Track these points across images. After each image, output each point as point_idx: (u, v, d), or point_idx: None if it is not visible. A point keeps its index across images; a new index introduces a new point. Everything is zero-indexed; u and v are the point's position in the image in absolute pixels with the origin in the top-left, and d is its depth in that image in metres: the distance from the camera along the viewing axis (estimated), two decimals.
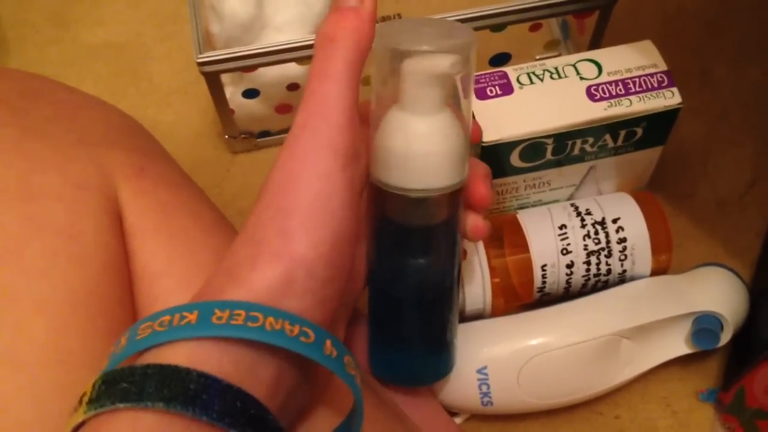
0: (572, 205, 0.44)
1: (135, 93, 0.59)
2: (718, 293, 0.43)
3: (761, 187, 0.51)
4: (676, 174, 0.52)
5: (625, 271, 0.44)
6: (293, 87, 0.50)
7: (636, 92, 0.42)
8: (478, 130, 0.39)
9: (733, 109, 0.54)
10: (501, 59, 0.51)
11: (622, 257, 0.43)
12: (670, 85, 0.42)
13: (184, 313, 0.25)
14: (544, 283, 0.43)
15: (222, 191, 0.54)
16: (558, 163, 0.43)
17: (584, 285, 0.44)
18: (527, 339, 0.41)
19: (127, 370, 0.24)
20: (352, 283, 0.35)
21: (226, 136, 0.54)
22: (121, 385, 0.23)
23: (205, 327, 0.25)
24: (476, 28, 0.46)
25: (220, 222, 0.38)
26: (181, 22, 0.62)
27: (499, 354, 0.41)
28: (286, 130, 0.55)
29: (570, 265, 0.43)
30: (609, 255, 0.43)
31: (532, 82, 0.42)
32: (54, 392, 0.28)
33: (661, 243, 0.43)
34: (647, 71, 0.42)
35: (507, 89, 0.42)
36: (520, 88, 0.42)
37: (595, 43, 0.52)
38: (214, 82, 0.47)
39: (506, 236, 0.44)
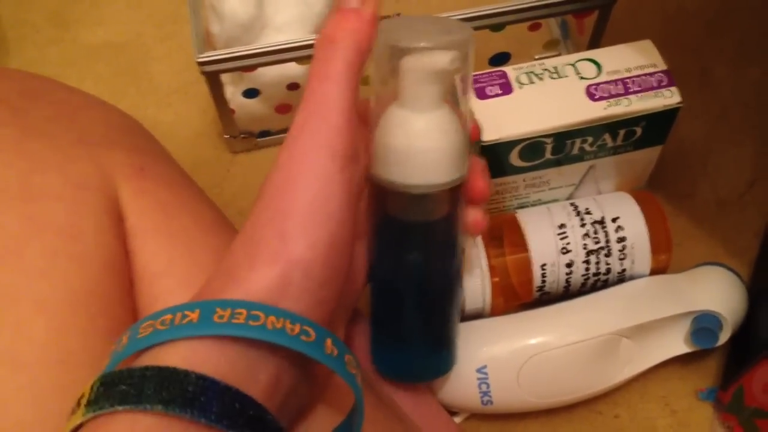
0: (572, 204, 0.44)
1: (135, 93, 0.59)
2: (717, 292, 0.43)
3: (761, 187, 0.51)
4: (676, 174, 0.52)
5: (624, 270, 0.44)
6: (293, 87, 0.50)
7: (635, 92, 0.42)
8: (476, 128, 0.39)
9: (732, 109, 0.54)
10: (500, 59, 0.51)
11: (622, 256, 0.43)
12: (670, 84, 0.42)
13: (186, 312, 0.25)
14: (543, 282, 0.43)
15: (222, 191, 0.54)
16: (557, 163, 0.44)
17: (584, 284, 0.44)
18: (527, 338, 0.41)
19: (125, 372, 0.24)
20: (352, 282, 0.35)
21: (226, 136, 0.54)
22: (120, 387, 0.23)
23: (207, 326, 0.25)
24: (476, 28, 0.46)
25: (220, 222, 0.38)
26: (181, 22, 0.62)
27: (499, 353, 0.41)
28: (286, 130, 0.54)
29: (569, 265, 0.43)
30: (608, 254, 0.43)
31: (531, 82, 0.42)
32: (54, 392, 0.28)
33: (660, 242, 0.43)
34: (647, 71, 0.42)
35: (506, 89, 0.42)
36: (520, 87, 0.42)
37: (595, 43, 0.52)
38: (214, 82, 0.47)
39: (506, 236, 0.44)
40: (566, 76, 0.42)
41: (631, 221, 0.43)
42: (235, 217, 0.50)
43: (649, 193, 0.46)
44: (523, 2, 0.46)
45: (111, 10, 0.64)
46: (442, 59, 0.30)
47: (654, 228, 0.43)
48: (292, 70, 0.49)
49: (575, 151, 0.43)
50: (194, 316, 0.25)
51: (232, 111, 0.51)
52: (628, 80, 0.42)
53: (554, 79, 0.42)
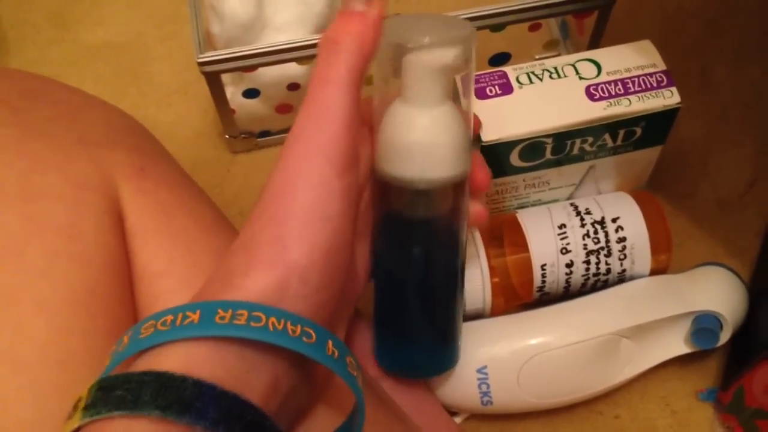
0: (572, 204, 0.44)
1: (135, 93, 0.59)
2: (717, 293, 0.43)
3: (761, 187, 0.51)
4: (676, 174, 0.52)
5: (624, 270, 0.44)
6: (293, 87, 0.50)
7: (635, 92, 0.42)
8: (477, 122, 0.39)
9: (732, 109, 0.54)
10: (501, 59, 0.51)
11: (622, 257, 0.43)
12: (670, 84, 0.42)
13: (187, 313, 0.25)
14: (543, 282, 0.43)
15: (222, 191, 0.54)
16: (557, 163, 0.44)
17: (584, 284, 0.44)
18: (527, 338, 0.41)
19: (122, 377, 0.24)
20: (352, 283, 0.35)
21: (227, 136, 0.54)
22: (117, 392, 0.23)
23: (208, 326, 0.25)
24: (476, 28, 0.46)
25: (220, 222, 0.38)
26: (181, 22, 0.62)
27: (499, 353, 0.41)
28: (286, 130, 0.55)
29: (569, 265, 0.43)
30: (608, 254, 0.43)
31: (531, 82, 0.42)
32: (54, 392, 0.28)
33: (660, 242, 0.43)
34: (646, 71, 0.42)
35: (506, 89, 0.42)
36: (520, 87, 0.42)
37: (595, 43, 0.52)
38: (214, 82, 0.47)
39: (506, 236, 0.44)
40: (566, 77, 0.42)
41: (631, 221, 0.43)
42: (236, 217, 0.50)
43: (649, 193, 0.46)
44: (523, 2, 0.46)
45: (111, 10, 0.64)
46: (446, 55, 0.31)
47: (654, 228, 0.43)
48: (292, 70, 0.49)
49: (575, 151, 0.43)
50: (195, 316, 0.25)
51: (233, 111, 0.51)
52: (627, 80, 0.42)
53: (554, 79, 0.42)
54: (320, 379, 0.32)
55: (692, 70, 0.56)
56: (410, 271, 0.36)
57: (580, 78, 0.42)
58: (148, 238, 0.34)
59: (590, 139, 0.42)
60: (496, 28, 0.48)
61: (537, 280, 0.43)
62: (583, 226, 0.43)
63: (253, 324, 0.25)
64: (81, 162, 0.34)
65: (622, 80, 0.42)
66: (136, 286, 0.34)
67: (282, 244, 0.27)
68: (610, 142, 0.43)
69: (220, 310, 0.25)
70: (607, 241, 0.43)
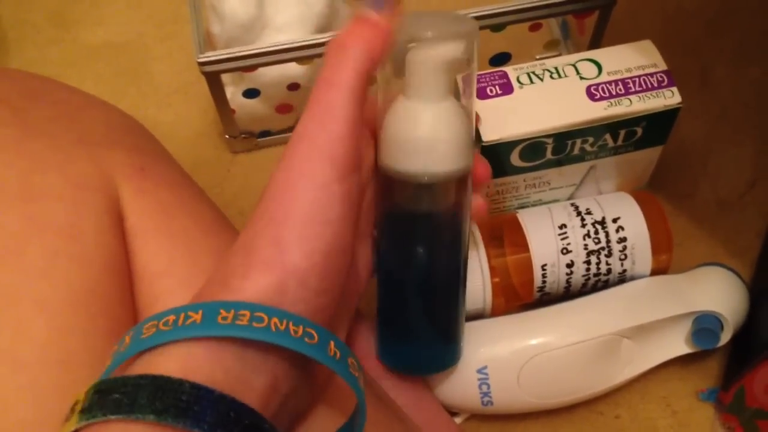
0: (572, 204, 0.44)
1: (135, 93, 0.59)
2: (718, 293, 0.43)
3: (761, 187, 0.51)
4: (677, 174, 0.52)
5: (625, 270, 0.44)
6: (294, 87, 0.50)
7: (636, 92, 0.42)
8: (477, 118, 0.39)
9: (733, 109, 0.54)
10: (501, 59, 0.51)
11: (622, 257, 0.43)
12: (670, 84, 0.42)
13: (189, 313, 0.25)
14: (544, 282, 0.43)
15: (222, 191, 0.54)
16: (558, 163, 0.44)
17: (584, 285, 0.44)
18: (527, 339, 0.41)
19: (120, 380, 0.24)
20: (353, 284, 0.35)
21: (227, 136, 0.54)
22: (113, 396, 0.23)
23: (211, 327, 0.25)
24: None
25: (220, 222, 0.38)
26: (181, 22, 0.62)
27: (500, 354, 0.41)
28: (286, 130, 0.55)
29: (570, 265, 0.43)
30: (609, 254, 0.43)
31: (532, 82, 0.42)
32: (54, 392, 0.28)
33: (661, 243, 0.43)
34: (647, 71, 0.42)
35: (507, 89, 0.42)
36: (520, 87, 0.42)
37: (595, 43, 0.52)
38: (214, 82, 0.47)
39: (506, 236, 0.44)
40: (567, 77, 0.42)
41: (631, 221, 0.43)
42: (236, 217, 0.50)
43: (650, 193, 0.46)
44: (523, 2, 0.46)
45: (111, 10, 0.64)
46: (450, 49, 0.31)
47: (655, 228, 0.43)
48: (292, 70, 0.49)
49: (576, 151, 0.43)
50: (198, 317, 0.25)
51: (233, 111, 0.51)
52: (628, 80, 0.42)
53: (555, 79, 0.42)
54: (321, 380, 0.32)
55: (692, 70, 0.56)
56: (414, 266, 0.36)
57: (581, 78, 0.42)
58: (148, 238, 0.34)
59: (591, 139, 0.42)
60: (497, 28, 0.48)
61: (537, 280, 0.43)
62: (583, 226, 0.43)
63: (255, 324, 0.25)
64: (81, 162, 0.34)
65: (622, 80, 0.42)
66: (136, 286, 0.34)
67: (281, 246, 0.27)
68: (610, 142, 0.43)
69: (222, 311, 0.25)
70: (608, 242, 0.43)
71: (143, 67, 0.60)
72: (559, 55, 0.55)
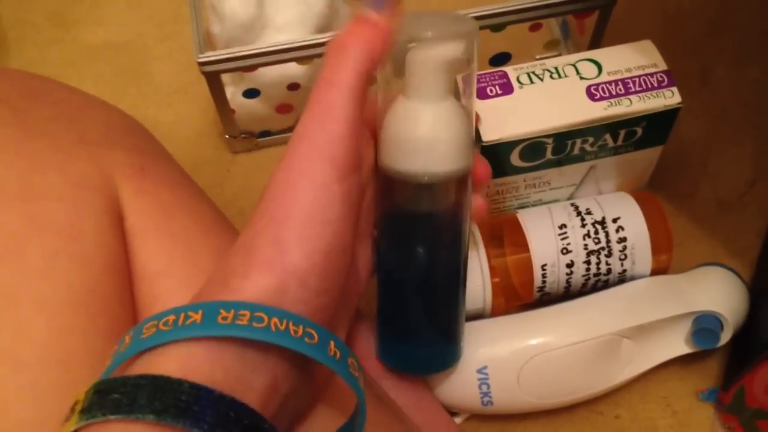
0: (572, 204, 0.44)
1: (135, 93, 0.59)
2: (718, 293, 0.43)
3: (761, 187, 0.51)
4: (677, 174, 0.52)
5: (625, 270, 0.44)
6: (293, 87, 0.50)
7: (636, 92, 0.42)
8: (477, 118, 0.40)
9: (733, 109, 0.54)
10: (501, 59, 0.51)
11: (622, 257, 0.43)
12: (670, 84, 0.42)
13: (189, 313, 0.25)
14: (544, 282, 0.43)
15: (222, 191, 0.54)
16: (558, 163, 0.44)
17: (584, 285, 0.44)
18: (527, 339, 0.41)
19: (119, 380, 0.24)
20: (354, 285, 0.35)
21: (227, 136, 0.54)
22: (113, 396, 0.23)
23: (211, 326, 0.25)
24: None
25: (220, 222, 0.38)
26: (181, 22, 0.62)
27: (499, 354, 0.41)
28: (286, 130, 0.55)
29: (570, 265, 0.43)
30: (609, 254, 0.43)
31: (532, 82, 0.42)
32: (54, 392, 0.28)
33: (661, 243, 0.43)
34: (647, 71, 0.42)
35: (507, 89, 0.42)
36: (520, 87, 0.42)
37: (595, 43, 0.52)
38: (214, 82, 0.47)
39: (506, 236, 0.44)
40: (567, 77, 0.42)
41: (631, 221, 0.43)
42: (236, 217, 0.50)
43: (650, 193, 0.46)
44: (523, 2, 0.46)
45: (111, 10, 0.64)
46: (450, 49, 0.31)
47: (655, 228, 0.43)
48: (292, 70, 0.49)
49: (576, 151, 0.43)
50: (197, 317, 0.25)
51: (233, 111, 0.51)
52: (628, 80, 0.42)
53: (555, 79, 0.42)
54: (320, 380, 0.32)
55: (692, 70, 0.56)
56: (414, 266, 0.36)
57: (581, 78, 0.42)
58: (148, 238, 0.34)
59: (591, 139, 0.42)
60: (497, 28, 0.48)
61: (537, 280, 0.43)
62: (583, 226, 0.43)
63: (255, 324, 0.25)
64: (81, 162, 0.34)
65: (622, 80, 0.42)
66: (136, 286, 0.34)
67: (281, 246, 0.27)
68: (610, 142, 0.43)
69: (222, 311, 0.25)
70: (608, 242, 0.43)
71: (143, 67, 0.60)
72: (559, 55, 0.55)
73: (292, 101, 0.51)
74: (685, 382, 0.45)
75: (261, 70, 0.48)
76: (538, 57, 0.55)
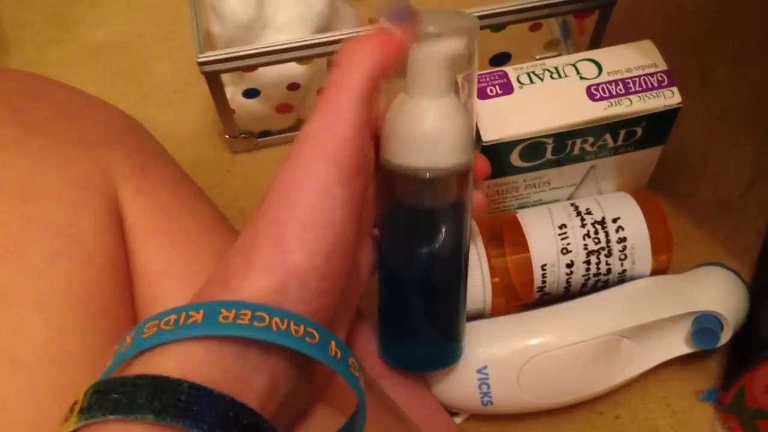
0: (572, 204, 0.44)
1: (135, 93, 0.59)
2: (718, 293, 0.43)
3: (761, 187, 0.51)
4: (677, 174, 0.52)
5: (625, 270, 0.44)
6: (293, 87, 0.50)
7: (636, 92, 0.42)
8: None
9: (733, 109, 0.54)
10: (501, 59, 0.51)
11: (622, 257, 0.43)
12: (670, 84, 0.42)
13: (190, 313, 0.25)
14: (544, 282, 0.43)
15: (222, 191, 0.54)
16: (558, 163, 0.44)
17: (584, 285, 0.44)
18: (527, 339, 0.41)
19: (119, 380, 0.24)
20: (355, 284, 0.35)
21: (227, 136, 0.54)
22: (112, 396, 0.23)
23: (212, 326, 0.25)
24: None
25: (220, 222, 0.38)
26: (181, 22, 0.62)
27: (499, 354, 0.41)
28: (286, 130, 0.55)
29: (570, 265, 0.43)
30: (609, 254, 0.43)
31: (532, 82, 0.42)
32: (54, 392, 0.28)
33: (661, 242, 0.43)
34: (647, 71, 0.42)
35: (507, 89, 0.42)
36: (520, 87, 0.42)
37: (595, 43, 0.52)
38: (214, 81, 0.47)
39: (506, 236, 0.44)
40: (567, 77, 0.42)
41: (631, 221, 0.43)
42: (236, 217, 0.50)
43: (650, 193, 0.46)
44: (523, 2, 0.46)
45: (111, 10, 0.64)
46: (451, 45, 0.31)
47: (654, 228, 0.43)
48: (292, 70, 0.49)
49: (576, 151, 0.43)
50: (199, 316, 0.25)
51: (233, 111, 0.51)
52: (628, 80, 0.42)
53: (555, 79, 0.42)
54: (320, 380, 0.32)
55: (692, 70, 0.56)
56: (417, 263, 0.36)
57: (581, 78, 0.42)
58: (147, 238, 0.34)
59: (591, 139, 0.42)
60: (497, 28, 0.48)
61: (537, 280, 0.43)
62: (583, 226, 0.43)
63: (256, 324, 0.25)
64: (81, 162, 0.34)
65: (622, 80, 0.42)
66: (135, 286, 0.34)
67: (282, 246, 0.27)
68: (610, 142, 0.43)
69: (223, 310, 0.25)
70: (608, 242, 0.43)
71: (143, 67, 0.60)
72: (560, 55, 0.55)
73: (292, 101, 0.51)
74: (685, 382, 0.45)
75: (261, 70, 0.48)
76: (538, 57, 0.55)
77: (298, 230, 0.27)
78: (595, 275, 0.43)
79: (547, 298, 0.45)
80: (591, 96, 0.42)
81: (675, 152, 0.50)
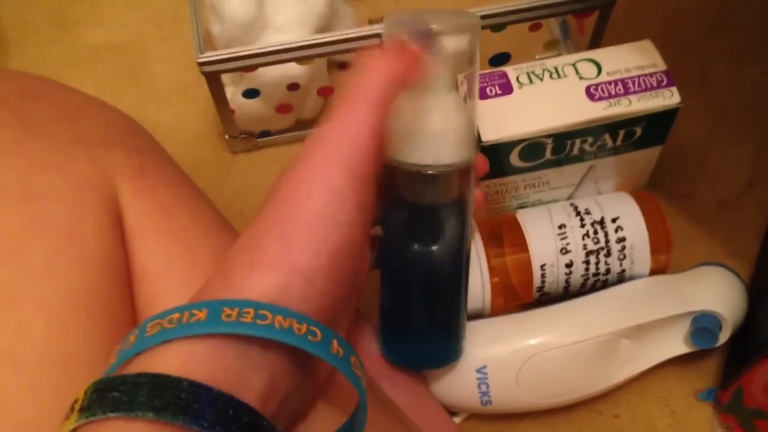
0: (571, 204, 0.44)
1: (135, 93, 0.59)
2: (716, 293, 0.43)
3: (760, 187, 0.51)
4: (676, 174, 0.52)
5: (624, 270, 0.44)
6: (293, 87, 0.50)
7: (635, 92, 0.42)
8: None
9: (732, 109, 0.54)
10: (501, 59, 0.51)
11: (621, 257, 0.43)
12: (670, 84, 0.42)
13: (194, 311, 0.25)
14: (543, 282, 0.43)
15: (222, 191, 0.54)
16: (557, 163, 0.44)
17: (583, 284, 0.44)
18: (526, 338, 0.41)
19: (119, 379, 0.24)
20: (356, 285, 0.35)
21: (227, 136, 0.54)
22: (113, 394, 0.23)
23: (215, 324, 0.25)
24: None
25: (220, 222, 0.38)
26: (181, 22, 0.62)
27: (499, 353, 0.41)
28: (286, 130, 0.55)
29: (569, 265, 0.43)
30: (608, 254, 0.43)
31: (531, 82, 0.42)
32: (54, 392, 0.29)
33: (660, 242, 0.43)
34: (646, 71, 0.42)
35: (507, 89, 0.42)
36: (520, 87, 0.42)
37: (595, 43, 0.52)
38: (214, 82, 0.47)
39: (506, 236, 0.44)
40: (566, 77, 0.42)
41: (630, 221, 0.43)
42: (236, 217, 0.50)
43: (649, 193, 0.46)
44: (523, 2, 0.46)
45: (111, 11, 0.64)
46: (454, 42, 0.31)
47: (654, 228, 0.43)
48: (292, 70, 0.49)
49: (575, 151, 0.43)
50: (202, 314, 0.25)
51: (233, 111, 0.51)
52: (628, 80, 0.42)
53: (554, 79, 0.42)
54: (320, 379, 0.32)
55: (692, 70, 0.56)
56: (419, 260, 0.36)
57: (581, 78, 0.42)
58: (147, 239, 0.34)
59: (590, 139, 0.42)
60: (497, 28, 0.48)
61: (536, 280, 0.43)
62: (582, 226, 0.43)
63: (259, 322, 0.25)
64: (81, 163, 0.34)
65: (622, 80, 0.42)
66: (135, 286, 0.34)
67: (288, 245, 0.27)
68: (610, 142, 0.43)
69: (226, 309, 0.25)
70: (607, 241, 0.43)
71: (143, 68, 0.60)
72: (559, 55, 0.56)
73: (292, 101, 0.51)
74: (683, 382, 0.45)
75: (261, 70, 0.48)
76: (537, 57, 0.55)
77: (305, 229, 0.27)
78: (594, 275, 0.43)
79: (546, 298, 0.45)
80: (590, 96, 0.42)
81: (674, 152, 0.50)
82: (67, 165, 0.33)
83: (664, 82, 0.42)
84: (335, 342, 0.27)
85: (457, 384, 0.41)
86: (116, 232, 0.34)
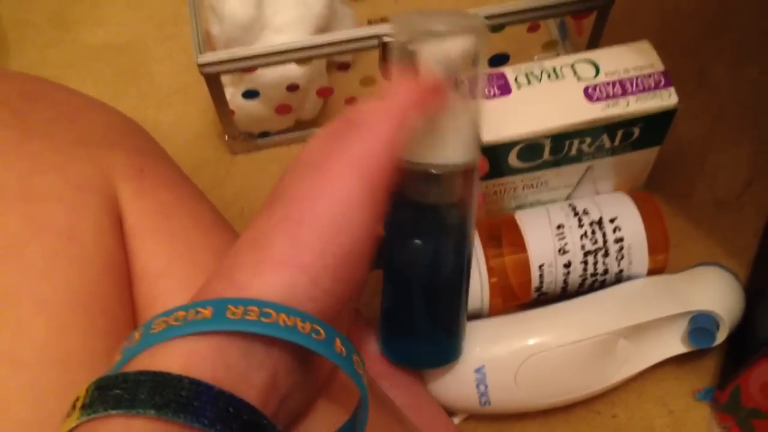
0: (570, 204, 0.45)
1: (135, 94, 0.59)
2: (714, 292, 0.43)
3: (758, 187, 0.51)
4: (674, 174, 0.52)
5: (622, 270, 0.44)
6: (293, 88, 0.50)
7: (633, 92, 0.42)
8: None
9: (730, 109, 0.54)
10: (499, 60, 0.51)
11: (619, 257, 0.43)
12: (668, 85, 0.42)
13: (199, 309, 0.25)
14: (541, 282, 0.44)
15: (222, 192, 0.54)
16: (556, 163, 0.44)
17: (581, 284, 0.44)
18: (525, 338, 0.41)
19: (120, 377, 0.24)
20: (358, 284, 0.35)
21: (227, 137, 0.54)
22: (114, 392, 0.24)
23: (220, 322, 0.25)
24: None
25: (219, 223, 0.38)
26: (181, 23, 0.62)
27: (497, 353, 0.41)
28: (286, 131, 0.55)
29: (567, 265, 0.43)
30: (606, 254, 0.43)
31: (530, 83, 0.42)
32: (54, 392, 0.29)
33: (658, 242, 0.43)
34: (645, 72, 0.42)
35: (505, 89, 0.42)
36: (518, 88, 0.42)
37: (593, 44, 0.52)
38: (214, 83, 0.47)
39: (504, 236, 0.44)
40: (564, 77, 0.42)
41: (628, 222, 0.43)
42: (236, 217, 0.50)
43: (647, 193, 0.46)
44: (521, 3, 0.47)
45: (111, 11, 0.64)
46: (460, 42, 0.32)
47: (652, 228, 0.43)
48: (291, 71, 0.49)
49: (573, 151, 0.43)
50: (207, 312, 0.25)
51: (232, 112, 0.51)
52: (626, 81, 0.42)
53: (552, 80, 0.42)
54: (321, 378, 0.32)
55: (690, 70, 0.56)
56: (422, 260, 0.36)
57: (579, 79, 0.42)
58: (147, 239, 0.34)
59: (588, 140, 0.42)
60: (495, 28, 0.48)
61: (535, 281, 0.44)
62: (581, 226, 0.43)
63: (264, 320, 0.25)
64: (81, 163, 0.34)
65: (620, 81, 0.42)
66: (135, 286, 0.34)
67: (297, 244, 0.27)
68: (608, 143, 0.43)
69: (230, 306, 0.25)
70: (605, 242, 0.43)
71: (143, 68, 0.60)
72: (557, 55, 0.56)
73: (292, 102, 0.52)
74: (681, 382, 0.45)
75: (260, 71, 0.48)
76: (536, 58, 0.55)
77: (316, 230, 0.27)
78: (592, 275, 0.44)
79: (544, 298, 0.45)
80: (588, 97, 0.42)
81: (672, 152, 0.50)
82: (67, 166, 0.33)
83: (662, 83, 0.42)
84: (338, 341, 0.27)
85: (456, 384, 0.41)
86: (116, 232, 0.34)
